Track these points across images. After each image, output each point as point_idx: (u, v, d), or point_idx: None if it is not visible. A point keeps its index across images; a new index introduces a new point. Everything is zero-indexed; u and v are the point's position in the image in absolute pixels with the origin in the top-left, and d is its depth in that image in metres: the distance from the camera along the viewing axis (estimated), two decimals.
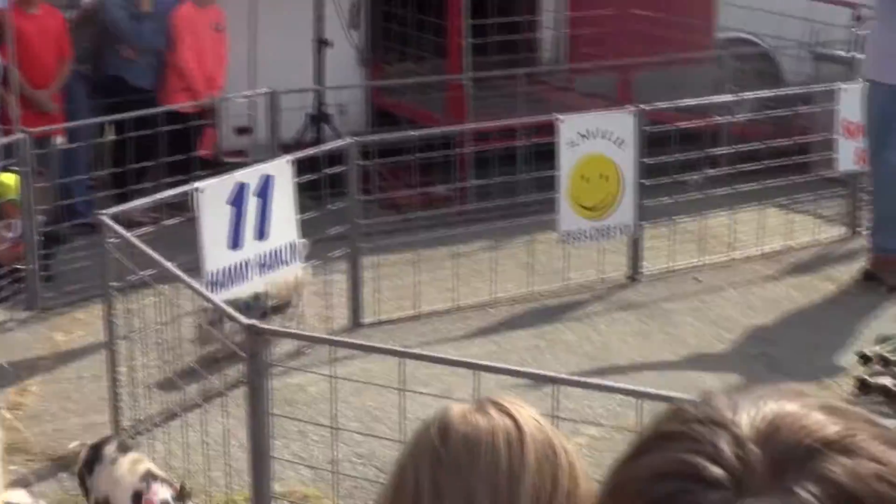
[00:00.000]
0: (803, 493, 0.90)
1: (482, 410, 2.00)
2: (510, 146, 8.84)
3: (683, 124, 8.85)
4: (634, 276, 8.31)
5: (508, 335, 7.40)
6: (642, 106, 8.22)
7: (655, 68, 10.29)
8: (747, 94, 9.29)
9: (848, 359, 6.86)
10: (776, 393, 1.00)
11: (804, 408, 0.97)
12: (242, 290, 6.66)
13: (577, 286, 8.09)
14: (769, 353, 7.18)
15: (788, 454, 0.93)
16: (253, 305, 6.57)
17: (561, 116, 8.02)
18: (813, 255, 8.76)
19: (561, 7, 10.97)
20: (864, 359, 6.75)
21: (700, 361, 7.03)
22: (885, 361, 6.70)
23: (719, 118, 9.36)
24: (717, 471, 0.92)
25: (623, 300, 8.00)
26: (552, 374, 5.10)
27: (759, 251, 8.72)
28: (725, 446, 0.94)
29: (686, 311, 7.81)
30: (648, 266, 8.39)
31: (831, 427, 0.95)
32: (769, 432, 0.95)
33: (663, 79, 10.06)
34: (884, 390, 6.59)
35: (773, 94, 9.58)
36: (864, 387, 6.65)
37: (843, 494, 0.91)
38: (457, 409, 1.98)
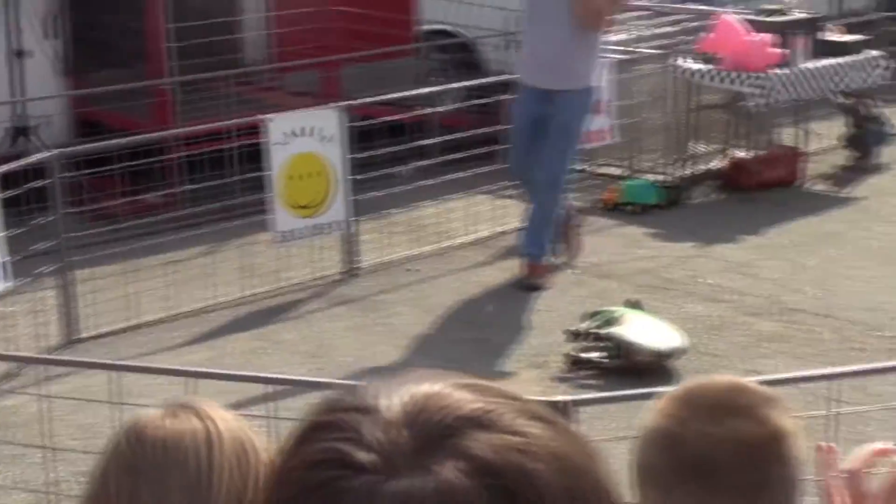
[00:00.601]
0: (443, 470, 0.94)
1: (174, 415, 2.03)
2: (220, 149, 8.79)
3: (390, 118, 8.98)
4: (351, 271, 8.39)
5: (228, 339, 7.37)
6: (347, 102, 8.29)
7: (360, 63, 10.39)
8: (450, 84, 9.50)
9: (559, 337, 7.09)
10: (422, 376, 1.03)
11: (447, 388, 1.01)
12: None
13: (295, 285, 8.12)
14: (484, 337, 7.36)
15: (431, 433, 0.96)
16: None
17: (268, 117, 8.03)
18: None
19: (263, 7, 10.94)
20: (574, 335, 7.01)
21: (417, 351, 7.16)
22: (595, 336, 6.97)
23: (425, 109, 9.53)
24: (363, 456, 0.96)
25: (341, 296, 8.07)
26: (267, 374, 5.13)
27: (471, 238, 8.92)
28: (370, 431, 0.97)
29: (403, 302, 7.94)
30: (365, 260, 8.48)
31: (472, 404, 0.99)
32: (413, 414, 0.98)
33: (368, 73, 10.18)
34: (593, 364, 6.86)
35: (475, 83, 9.81)
36: (575, 362, 6.91)
37: (483, 468, 0.94)
38: (149, 415, 2.00)
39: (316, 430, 1.01)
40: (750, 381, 2.13)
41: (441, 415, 0.98)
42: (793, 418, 2.01)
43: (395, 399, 1.00)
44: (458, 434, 0.96)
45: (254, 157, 8.23)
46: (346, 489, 0.95)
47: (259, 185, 8.06)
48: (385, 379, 1.03)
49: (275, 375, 4.83)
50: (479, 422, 0.97)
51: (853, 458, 1.97)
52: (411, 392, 1.00)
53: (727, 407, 1.94)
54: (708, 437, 1.91)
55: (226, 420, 2.10)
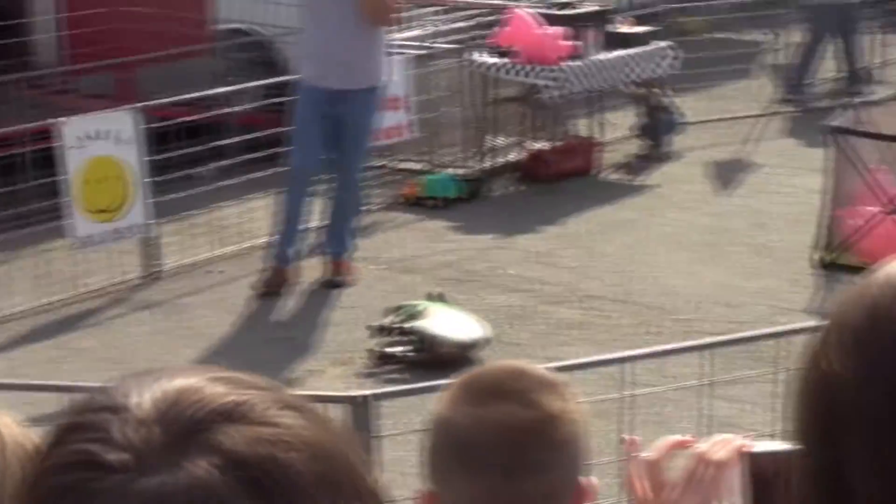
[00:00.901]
0: (195, 466, 0.94)
1: None
2: (12, 155, 8.57)
3: (188, 118, 8.89)
4: (153, 274, 8.27)
5: (25, 349, 7.20)
6: (142, 103, 8.17)
7: (155, 64, 10.25)
8: (246, 84, 9.45)
9: (363, 333, 7.12)
10: (174, 371, 1.02)
11: (200, 382, 1.00)
12: None
13: (95, 291, 7.97)
14: (289, 336, 7.35)
15: (182, 429, 0.96)
16: None
17: (61, 120, 7.88)
18: None
19: (54, 8, 10.71)
20: (379, 330, 7.05)
21: (222, 353, 7.10)
22: (399, 331, 7.02)
23: (224, 109, 9.44)
24: (113, 456, 0.95)
25: (143, 300, 7.95)
26: (62, 383, 5.03)
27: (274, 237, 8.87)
28: (120, 430, 0.96)
29: (207, 305, 7.87)
30: (167, 263, 8.38)
31: (224, 397, 0.98)
32: (164, 410, 0.97)
33: (165, 74, 10.05)
34: (398, 358, 6.91)
35: (272, 82, 9.77)
36: (381, 357, 6.95)
37: (235, 461, 0.94)
38: None
39: (67, 431, 1.00)
40: (534, 366, 2.16)
41: (192, 409, 0.97)
42: (574, 402, 2.06)
43: (146, 396, 0.99)
44: (209, 428, 0.96)
45: (48, 162, 8.05)
46: (96, 490, 0.95)
47: (54, 191, 7.89)
48: (138, 375, 1.02)
49: (70, 383, 4.74)
50: (230, 415, 0.97)
51: (654, 448, 2.03)
52: (163, 388, 0.99)
53: (498, 391, 1.98)
54: (474, 419, 1.95)
55: (9, 426, 2.07)
